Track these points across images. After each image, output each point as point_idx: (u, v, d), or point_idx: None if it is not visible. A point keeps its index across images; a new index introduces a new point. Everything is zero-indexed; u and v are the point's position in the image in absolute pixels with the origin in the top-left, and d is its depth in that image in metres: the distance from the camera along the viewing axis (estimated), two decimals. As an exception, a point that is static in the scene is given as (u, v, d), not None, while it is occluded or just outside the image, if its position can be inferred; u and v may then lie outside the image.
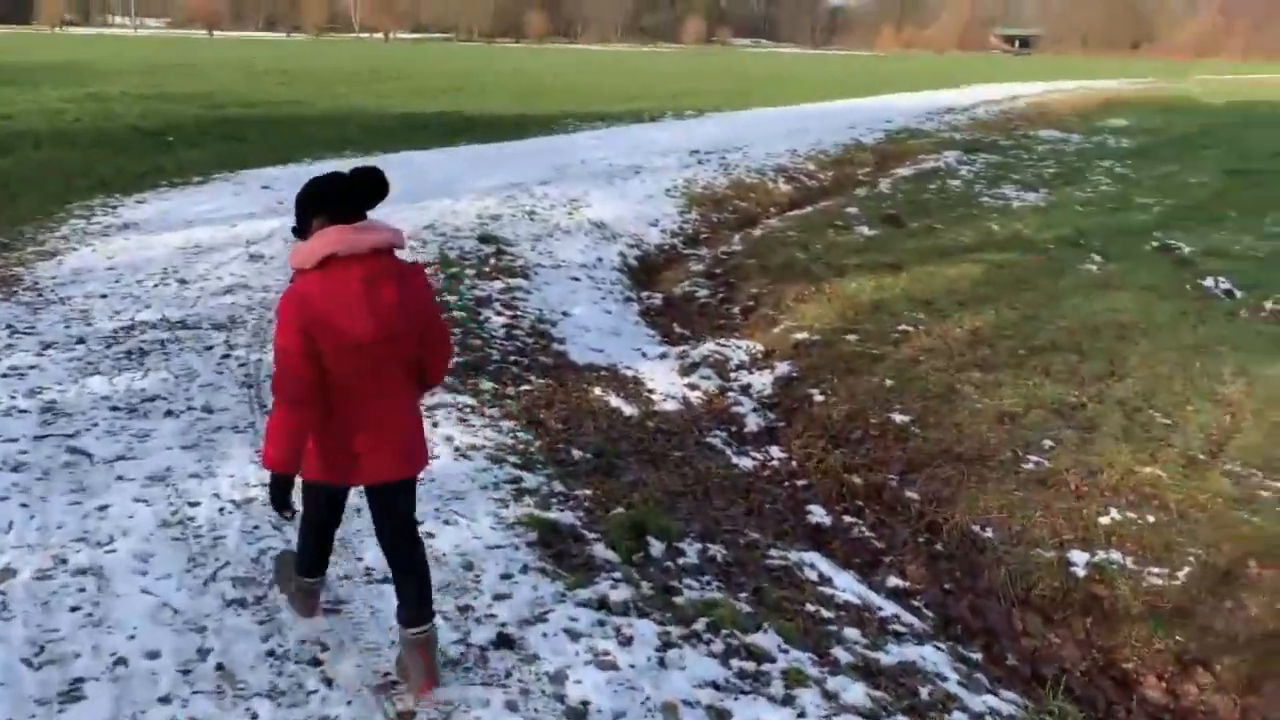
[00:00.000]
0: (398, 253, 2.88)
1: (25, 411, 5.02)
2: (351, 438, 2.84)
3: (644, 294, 9.72)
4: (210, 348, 6.22)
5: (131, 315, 6.83)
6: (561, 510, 4.51)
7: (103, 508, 4.09)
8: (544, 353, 7.05)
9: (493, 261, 9.42)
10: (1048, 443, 5.58)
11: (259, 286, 7.76)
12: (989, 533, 4.87)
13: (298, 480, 2.90)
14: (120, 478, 4.37)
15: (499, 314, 7.75)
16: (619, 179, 14.53)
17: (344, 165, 3.10)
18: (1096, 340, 7.42)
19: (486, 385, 6.08)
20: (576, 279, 9.52)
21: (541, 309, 8.17)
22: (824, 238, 11.25)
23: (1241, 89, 48.40)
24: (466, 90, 31.52)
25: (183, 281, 7.80)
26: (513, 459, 5.00)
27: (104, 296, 7.24)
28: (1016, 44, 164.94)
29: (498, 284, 8.67)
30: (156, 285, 7.65)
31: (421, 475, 3.86)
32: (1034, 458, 5.42)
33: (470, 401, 5.74)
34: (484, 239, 10.17)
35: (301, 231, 2.86)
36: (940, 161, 18.18)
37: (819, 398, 6.47)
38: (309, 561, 3.29)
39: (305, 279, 2.74)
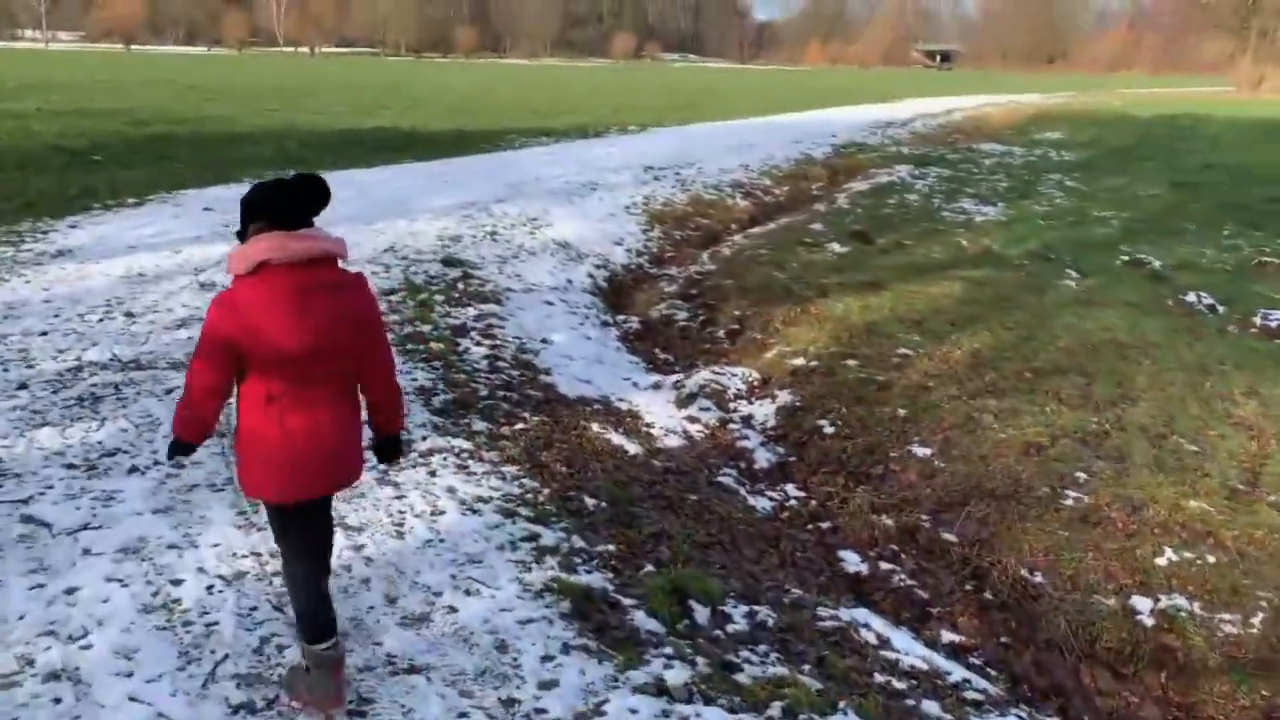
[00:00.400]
0: (341, 263, 2.84)
1: (-32, 473, 4.42)
2: (295, 452, 2.79)
3: (619, 317, 9.31)
4: (170, 391, 5.64)
5: (77, 355, 6.20)
6: (589, 572, 4.07)
7: (71, 590, 3.54)
8: (532, 385, 6.59)
9: (461, 286, 8.93)
10: (1081, 475, 5.30)
11: (215, 319, 7.16)
12: (1039, 577, 4.56)
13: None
14: (87, 551, 3.81)
15: (478, 344, 7.27)
16: (577, 197, 14.12)
17: None
18: (1098, 361, 7.21)
19: (480, 425, 5.61)
20: (550, 303, 9.08)
21: (521, 337, 7.70)
22: (797, 256, 10.96)
23: (1160, 102, 49.78)
24: (401, 105, 30.84)
25: (130, 315, 7.17)
26: (524, 511, 4.54)
27: (44, 334, 6.58)
28: (938, 59, 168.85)
29: (471, 310, 8.19)
30: (101, 320, 7.01)
31: (433, 539, 3.74)
32: (1071, 492, 5.14)
33: (466, 445, 5.26)
34: (448, 262, 9.67)
35: (243, 236, 2.81)
36: (894, 176, 18.10)
37: (829, 429, 6.12)
38: (311, 619, 3.01)
39: (239, 284, 2.69)
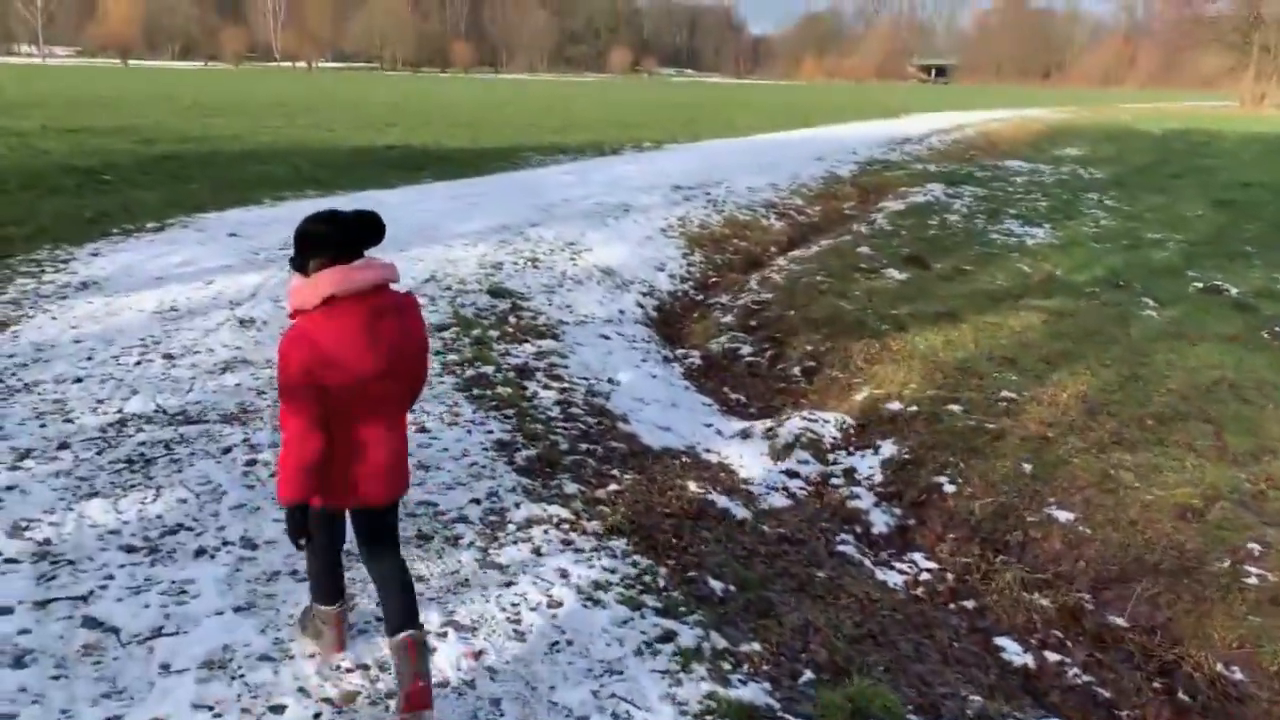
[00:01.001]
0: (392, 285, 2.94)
1: (15, 561, 3.83)
2: (349, 464, 2.92)
3: (678, 351, 8.75)
4: (228, 450, 5.06)
5: (118, 406, 5.62)
6: (743, 682, 3.49)
7: (156, 726, 2.95)
8: (612, 435, 6.01)
9: (513, 320, 8.37)
10: (1254, 546, 4.74)
11: (261, 361, 6.58)
12: (1238, 674, 4.00)
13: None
14: (166, 668, 3.22)
15: (546, 387, 6.70)
16: (611, 219, 13.58)
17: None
18: (1218, 405, 6.66)
19: (571, 487, 5.03)
20: (606, 337, 8.51)
21: (587, 377, 7.13)
22: (856, 283, 10.42)
23: (1165, 116, 49.49)
24: (409, 122, 30.31)
25: (168, 357, 6.58)
26: (650, 601, 3.97)
27: (79, 381, 6.00)
28: (933, 73, 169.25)
29: (529, 347, 7.62)
30: (138, 363, 6.43)
31: (559, 639, 3.52)
32: (1252, 568, 4.57)
33: (564, 514, 4.69)
34: (494, 292, 9.11)
35: (301, 266, 2.88)
36: (928, 195, 17.59)
37: (949, 487, 5.56)
38: (323, 587, 3.33)
39: (307, 319, 2.78)
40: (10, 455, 4.82)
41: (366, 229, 2.89)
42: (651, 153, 23.67)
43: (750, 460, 6.01)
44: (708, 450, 6.11)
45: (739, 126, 33.70)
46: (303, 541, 2.91)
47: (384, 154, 20.99)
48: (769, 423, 6.55)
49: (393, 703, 3.10)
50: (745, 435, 6.34)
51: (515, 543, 4.33)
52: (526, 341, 7.79)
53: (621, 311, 9.46)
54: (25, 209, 12.11)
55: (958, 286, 10.33)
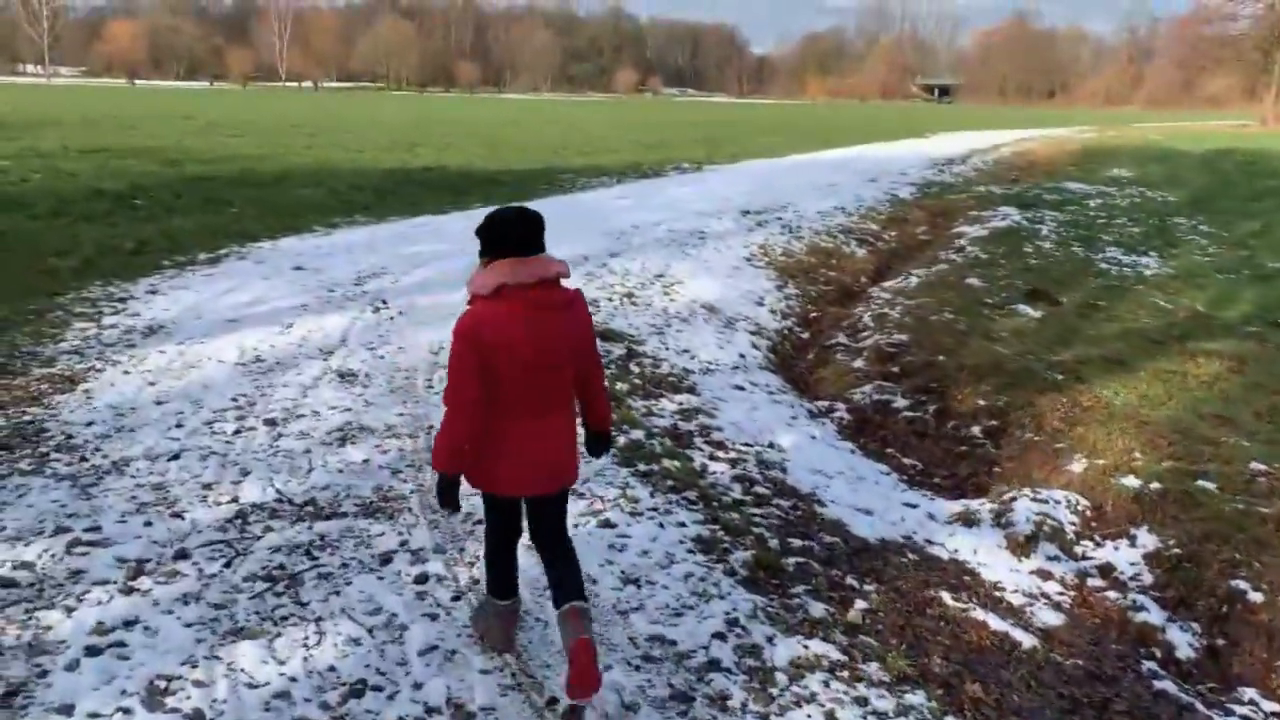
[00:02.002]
0: (563, 281, 3.03)
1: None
2: (519, 454, 3.05)
3: (819, 403, 7.73)
4: (387, 560, 4.03)
5: (231, 492, 4.59)
6: None
7: None
8: (817, 524, 4.99)
9: (636, 369, 7.36)
10: None
11: (380, 428, 5.57)
12: None
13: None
14: None
15: (712, 458, 5.68)
16: (690, 247, 12.60)
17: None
18: None
19: (816, 609, 4.01)
20: (740, 388, 7.49)
21: (750, 443, 6.12)
22: (990, 320, 9.43)
23: (1189, 136, 48.66)
24: (430, 142, 29.36)
25: (271, 424, 5.56)
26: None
27: (175, 458, 4.97)
28: (935, 93, 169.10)
29: (667, 404, 6.60)
30: (238, 432, 5.40)
31: None
32: None
33: (832, 654, 3.66)
34: (605, 335, 8.10)
35: (485, 257, 3.02)
36: (1006, 220, 16.61)
37: (1254, 595, 4.53)
38: (497, 580, 3.39)
39: (480, 305, 2.94)
40: (120, 571, 3.79)
41: (526, 224, 2.97)
42: (694, 174, 22.74)
43: (988, 556, 4.98)
44: (930, 541, 5.08)
45: (768, 148, 32.76)
46: (455, 510, 3.09)
47: (420, 176, 20.03)
48: (988, 504, 5.52)
49: None
50: (968, 522, 5.31)
51: (798, 702, 3.31)
52: (663, 396, 6.77)
53: (742, 355, 8.45)
54: (64, 238, 11.12)
55: (1104, 326, 9.32)
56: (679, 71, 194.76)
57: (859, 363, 8.56)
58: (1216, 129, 60.74)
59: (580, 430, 3.32)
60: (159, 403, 5.81)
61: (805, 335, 10.16)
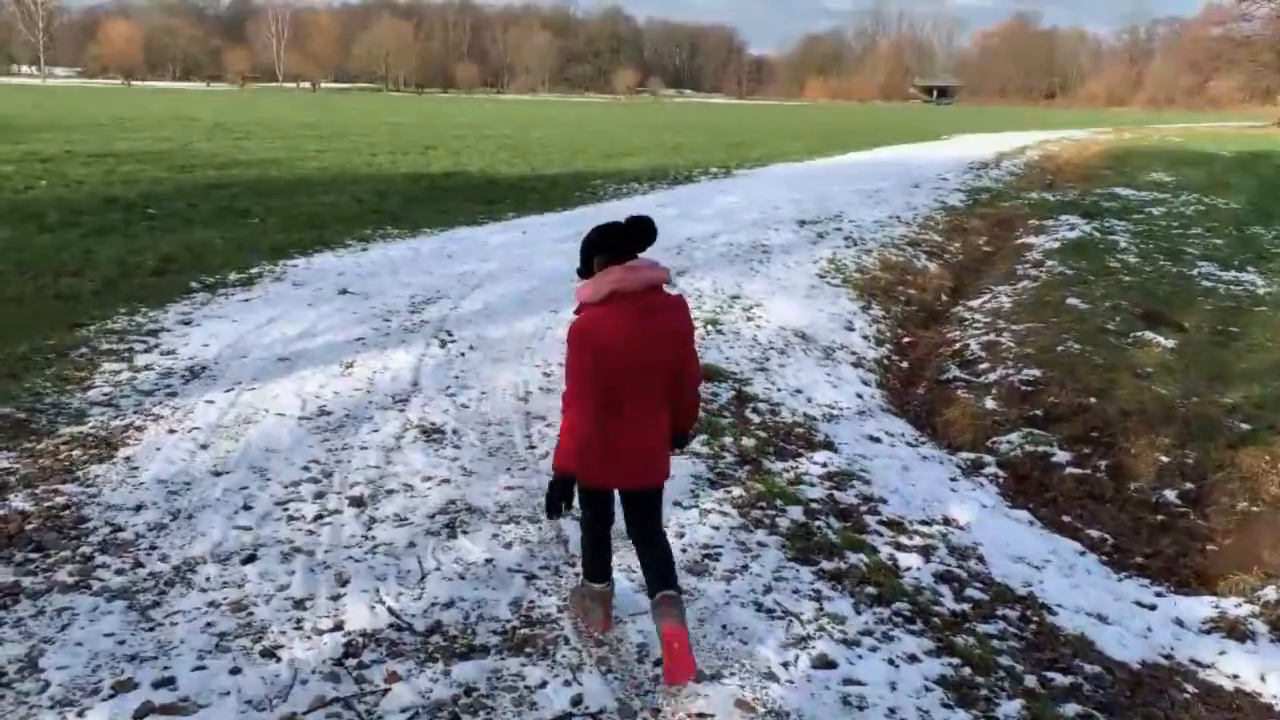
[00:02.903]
0: (666, 287, 3.16)
1: None
2: (619, 449, 3.15)
3: (962, 455, 6.71)
4: (533, 706, 3.00)
5: (332, 615, 3.57)
6: None
7: None
8: (1062, 642, 3.98)
9: (752, 415, 6.36)
10: None
11: (493, 508, 4.54)
12: None
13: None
14: None
15: (899, 546, 4.65)
16: (755, 262, 11.61)
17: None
18: None
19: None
20: (875, 439, 6.48)
21: (927, 520, 5.10)
22: (1121, 351, 8.43)
23: (1209, 137, 47.75)
24: (444, 145, 28.31)
25: (358, 504, 4.53)
26: None
27: (251, 559, 3.94)
28: (935, 94, 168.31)
29: (810, 466, 5.58)
30: (320, 516, 4.38)
31: None
32: None
33: None
34: (705, 372, 7.08)
35: (586, 270, 3.20)
36: (1074, 230, 15.62)
37: None
38: (594, 564, 3.50)
39: (591, 311, 3.06)
40: (209, 752, 2.76)
41: (641, 233, 3.08)
42: (728, 180, 21.73)
43: (1263, 677, 3.96)
44: (1197, 663, 4.07)
45: (790, 151, 31.73)
46: (567, 511, 3.15)
47: (445, 182, 19.01)
48: (1248, 605, 4.50)
49: None
50: (1235, 633, 4.28)
51: None
52: (800, 454, 5.76)
53: (859, 395, 7.43)
54: (78, 253, 10.11)
55: (1252, 357, 8.33)
56: (677, 72, 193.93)
57: (990, 402, 7.54)
58: (1232, 131, 59.86)
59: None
60: (217, 473, 4.78)
61: (904, 364, 9.15)
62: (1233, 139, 48.81)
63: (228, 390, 6.00)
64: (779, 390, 7.07)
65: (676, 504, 4.70)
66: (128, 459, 4.87)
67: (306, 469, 4.91)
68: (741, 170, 24.19)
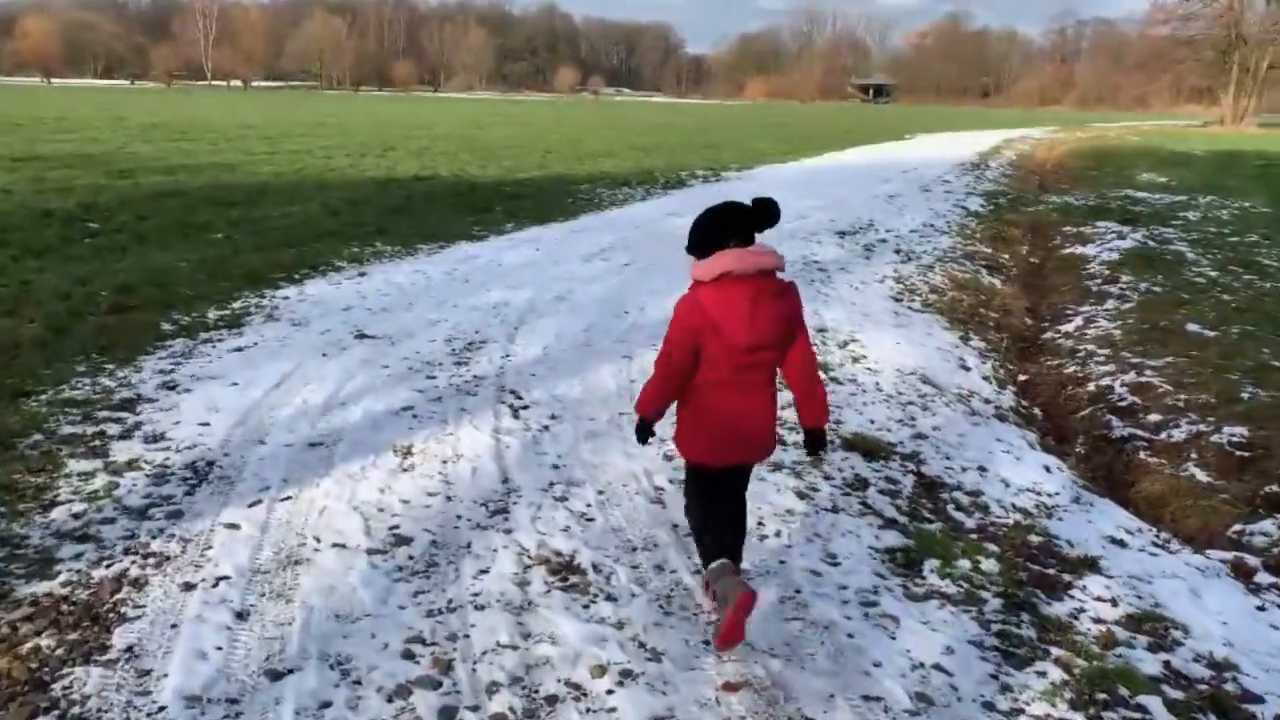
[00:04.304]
0: (779, 274, 3.18)
1: None
2: (722, 427, 3.26)
3: (1211, 553, 5.16)
4: None
5: None
6: None
7: None
8: None
9: (958, 514, 4.79)
10: None
11: (725, 730, 2.87)
12: None
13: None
14: None
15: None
16: (818, 283, 10.12)
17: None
18: None
19: None
20: (1119, 542, 4.90)
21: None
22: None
23: (1173, 136, 47.56)
24: (405, 146, 26.35)
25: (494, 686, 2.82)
26: None
27: None
28: (872, 93, 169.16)
29: (1103, 608, 4.02)
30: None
31: None
32: None
33: None
34: (853, 443, 5.50)
35: (700, 250, 3.17)
36: (1123, 239, 14.33)
37: None
38: (709, 547, 3.42)
39: (702, 289, 3.12)
40: None
41: (763, 214, 3.12)
42: (721, 185, 20.17)
43: None
44: None
45: (765, 153, 30.23)
46: (648, 440, 3.37)
47: (417, 187, 17.18)
48: None
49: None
50: None
51: None
52: (1068, 585, 4.18)
53: (1047, 469, 5.86)
54: (12, 284, 8.21)
55: None
56: (615, 71, 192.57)
57: (1199, 472, 6.03)
58: (1177, 129, 60.03)
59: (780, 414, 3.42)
60: (275, 675, 3.03)
61: (1038, 413, 7.63)
62: (1185, 136, 48.71)
63: (253, 504, 4.21)
64: (960, 469, 5.48)
65: (988, 706, 3.09)
66: (129, 652, 3.09)
67: (409, 657, 3.18)
68: (730, 173, 22.65)
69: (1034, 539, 4.62)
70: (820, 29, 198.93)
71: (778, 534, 4.28)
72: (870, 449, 5.46)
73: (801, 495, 4.71)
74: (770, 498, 4.64)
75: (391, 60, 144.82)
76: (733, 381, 3.18)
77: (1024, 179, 25.74)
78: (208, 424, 5.13)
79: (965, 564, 4.15)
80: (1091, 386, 8.00)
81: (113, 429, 5.01)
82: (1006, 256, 13.59)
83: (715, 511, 3.44)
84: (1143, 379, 7.82)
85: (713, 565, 3.35)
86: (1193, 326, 9.31)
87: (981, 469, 5.54)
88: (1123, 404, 7.43)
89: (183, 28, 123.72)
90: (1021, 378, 8.50)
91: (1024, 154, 35.34)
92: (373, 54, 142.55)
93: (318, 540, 3.92)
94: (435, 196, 15.96)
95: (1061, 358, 9.08)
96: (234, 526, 3.99)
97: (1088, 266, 12.96)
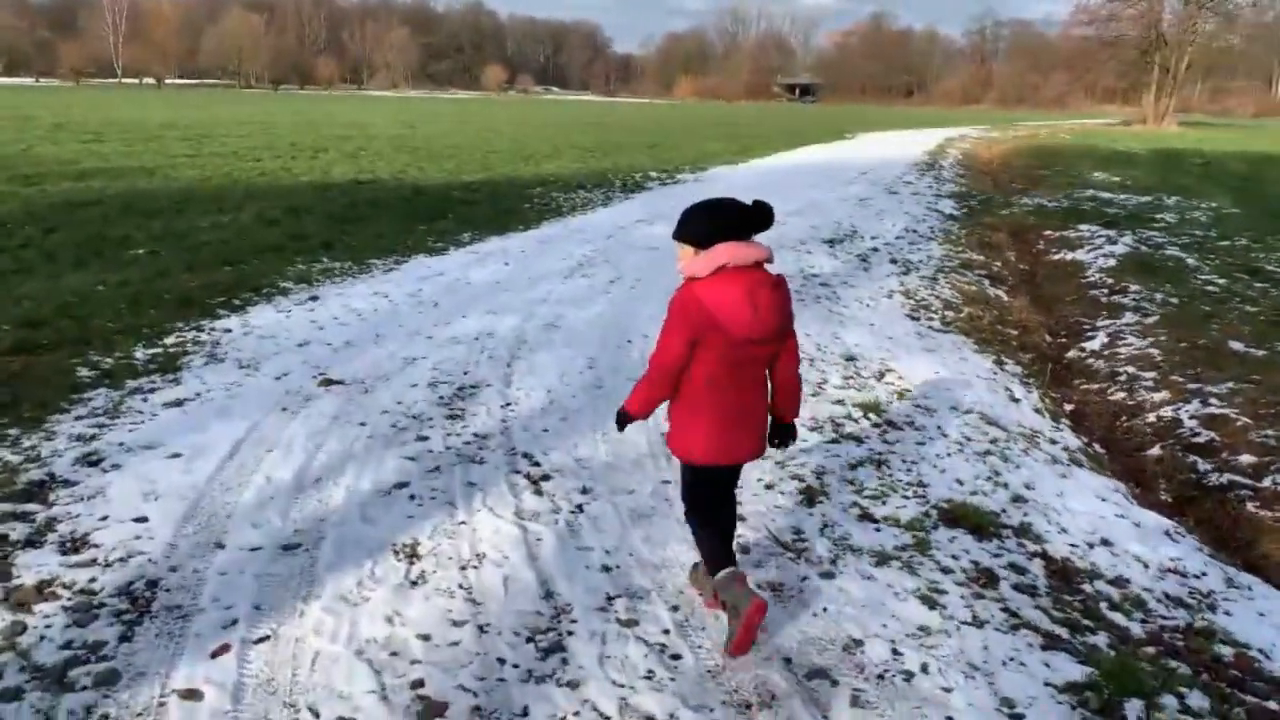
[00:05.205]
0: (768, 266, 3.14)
1: None
2: (718, 425, 3.19)
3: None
4: None
5: None
6: None
7: None
8: None
9: (1117, 618, 3.85)
10: None
11: None
12: None
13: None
14: None
15: None
16: (825, 300, 9.24)
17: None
18: None
19: None
20: (1291, 635, 3.98)
21: None
22: None
23: (1105, 135, 47.97)
24: (336, 148, 24.82)
25: None
26: None
27: None
28: (798, 92, 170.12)
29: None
30: None
31: None
32: None
33: None
34: (956, 515, 4.52)
35: (697, 241, 3.09)
36: (1113, 244, 13.67)
37: None
38: (714, 553, 3.34)
39: (697, 285, 3.05)
40: None
41: (761, 216, 3.09)
42: (683, 188, 19.19)
43: None
44: None
45: (714, 153, 29.28)
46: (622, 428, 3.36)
47: (359, 193, 15.86)
48: None
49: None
50: None
51: None
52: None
53: (1168, 534, 4.94)
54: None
55: None
56: (542, 70, 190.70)
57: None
58: (1110, 129, 60.77)
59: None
60: None
61: (1101, 449, 6.74)
62: (1115, 135, 49.13)
63: (217, 651, 3.05)
64: (1085, 544, 4.52)
65: None
66: None
67: None
68: (685, 175, 21.68)
69: (1221, 650, 3.67)
70: (745, 29, 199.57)
71: (925, 669, 3.25)
72: (976, 524, 4.47)
73: (928, 601, 3.69)
74: (892, 607, 3.61)
75: (312, 58, 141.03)
76: (730, 379, 3.14)
77: (979, 179, 25.22)
78: (145, 519, 3.93)
79: (1171, 702, 3.18)
80: (1151, 417, 7.16)
81: (16, 531, 3.79)
82: (999, 264, 12.81)
83: (719, 515, 3.41)
84: (1211, 409, 6.99)
85: (720, 576, 3.27)
86: (1235, 344, 8.55)
87: (1104, 541, 4.58)
88: (1198, 440, 6.58)
89: (91, 23, 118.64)
90: (1068, 406, 7.63)
91: (968, 153, 34.99)
92: (292, 51, 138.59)
93: (315, 715, 2.78)
94: (381, 203, 14.68)
95: (1099, 380, 8.25)
96: (193, 695, 2.83)
97: (1085, 274, 12.24)
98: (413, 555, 3.77)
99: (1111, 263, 12.61)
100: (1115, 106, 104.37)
